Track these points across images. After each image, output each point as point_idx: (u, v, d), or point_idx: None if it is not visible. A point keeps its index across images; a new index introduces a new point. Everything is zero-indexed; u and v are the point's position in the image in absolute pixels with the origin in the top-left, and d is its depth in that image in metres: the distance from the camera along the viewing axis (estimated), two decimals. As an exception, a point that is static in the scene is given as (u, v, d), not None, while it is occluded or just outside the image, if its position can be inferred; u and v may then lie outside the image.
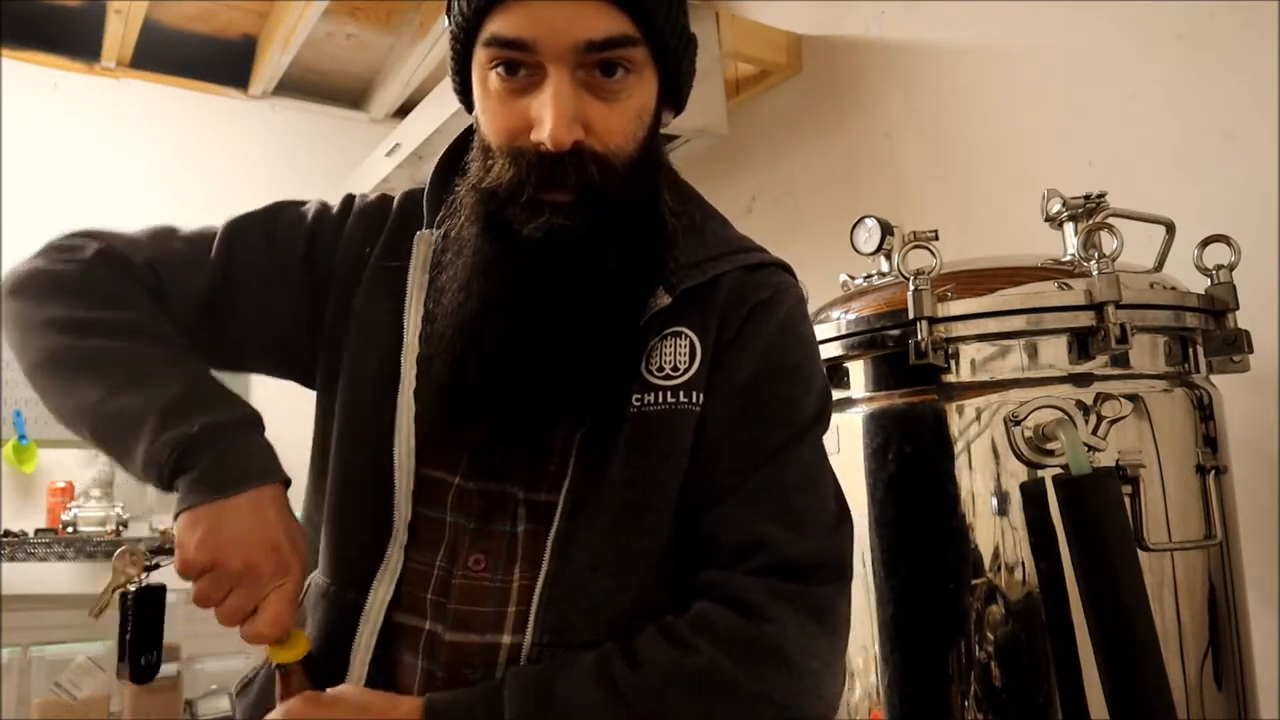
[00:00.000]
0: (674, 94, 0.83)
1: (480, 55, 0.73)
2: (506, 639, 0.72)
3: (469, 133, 0.83)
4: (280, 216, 0.86)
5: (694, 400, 0.75)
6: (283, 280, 0.83)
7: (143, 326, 0.79)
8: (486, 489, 0.76)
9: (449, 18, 0.78)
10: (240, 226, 0.85)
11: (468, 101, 0.80)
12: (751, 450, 0.74)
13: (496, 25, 0.71)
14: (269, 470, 0.72)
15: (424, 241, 0.81)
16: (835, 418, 1.08)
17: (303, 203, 0.88)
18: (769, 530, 0.71)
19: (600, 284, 0.74)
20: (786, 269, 0.85)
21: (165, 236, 0.86)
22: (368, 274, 0.82)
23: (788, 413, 0.76)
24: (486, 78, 0.74)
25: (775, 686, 0.67)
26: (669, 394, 0.75)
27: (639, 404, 0.75)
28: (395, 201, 0.88)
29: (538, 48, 0.70)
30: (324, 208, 0.87)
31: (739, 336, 0.77)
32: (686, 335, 0.77)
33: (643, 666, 0.67)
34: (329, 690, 0.69)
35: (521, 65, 0.71)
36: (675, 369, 0.76)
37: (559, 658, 0.70)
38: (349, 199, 0.88)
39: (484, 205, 0.75)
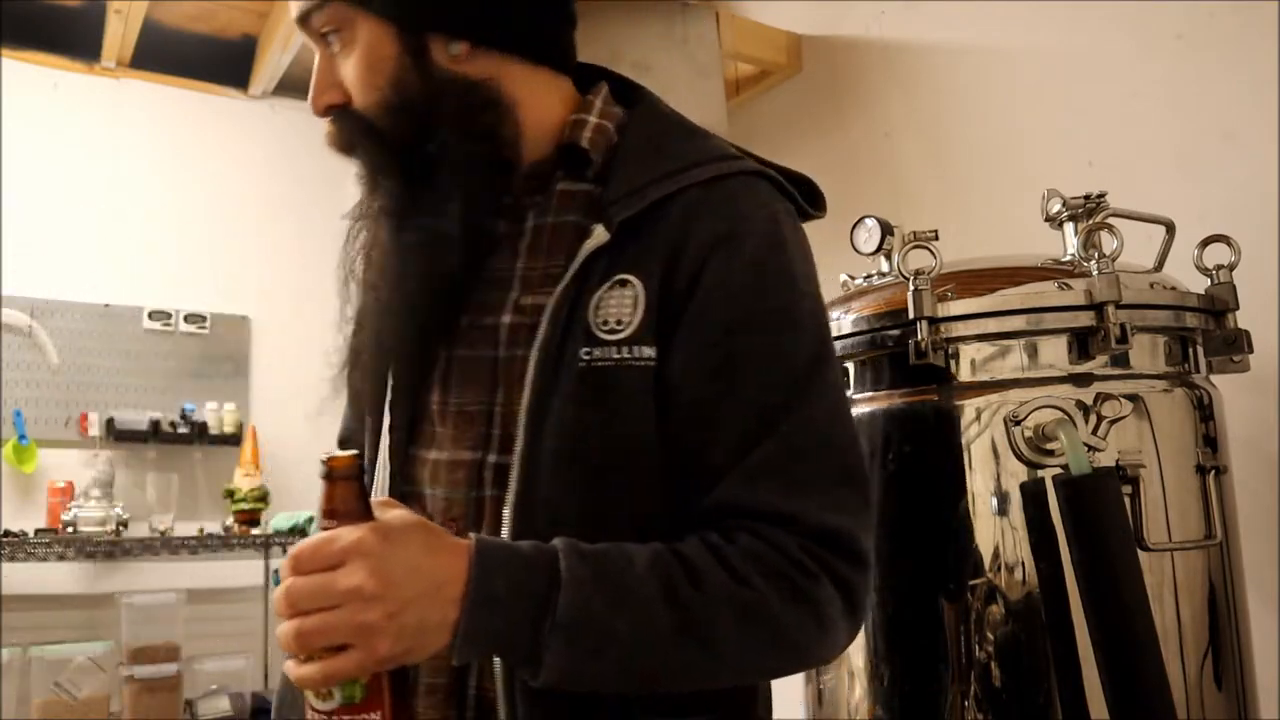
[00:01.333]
0: (426, 24, 0.77)
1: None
2: None
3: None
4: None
5: (641, 355, 0.71)
6: None
7: None
8: (455, 458, 0.75)
9: None
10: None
11: None
12: (744, 419, 0.69)
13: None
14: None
15: None
16: (835, 418, 1.08)
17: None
18: (780, 505, 0.67)
19: (411, 212, 0.76)
20: (761, 174, 0.77)
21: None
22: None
23: (778, 368, 0.70)
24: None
25: (810, 638, 0.67)
26: (615, 349, 0.71)
27: (588, 359, 0.71)
28: None
29: (301, 21, 0.77)
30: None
31: (699, 280, 0.71)
32: (631, 284, 0.72)
33: (701, 583, 0.65)
34: (392, 515, 0.64)
35: (315, 44, 0.79)
36: (620, 323, 0.72)
37: (612, 546, 0.66)
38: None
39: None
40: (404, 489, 0.77)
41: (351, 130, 0.77)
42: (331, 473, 0.63)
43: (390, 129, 0.76)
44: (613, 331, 0.71)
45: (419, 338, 0.77)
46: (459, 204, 0.75)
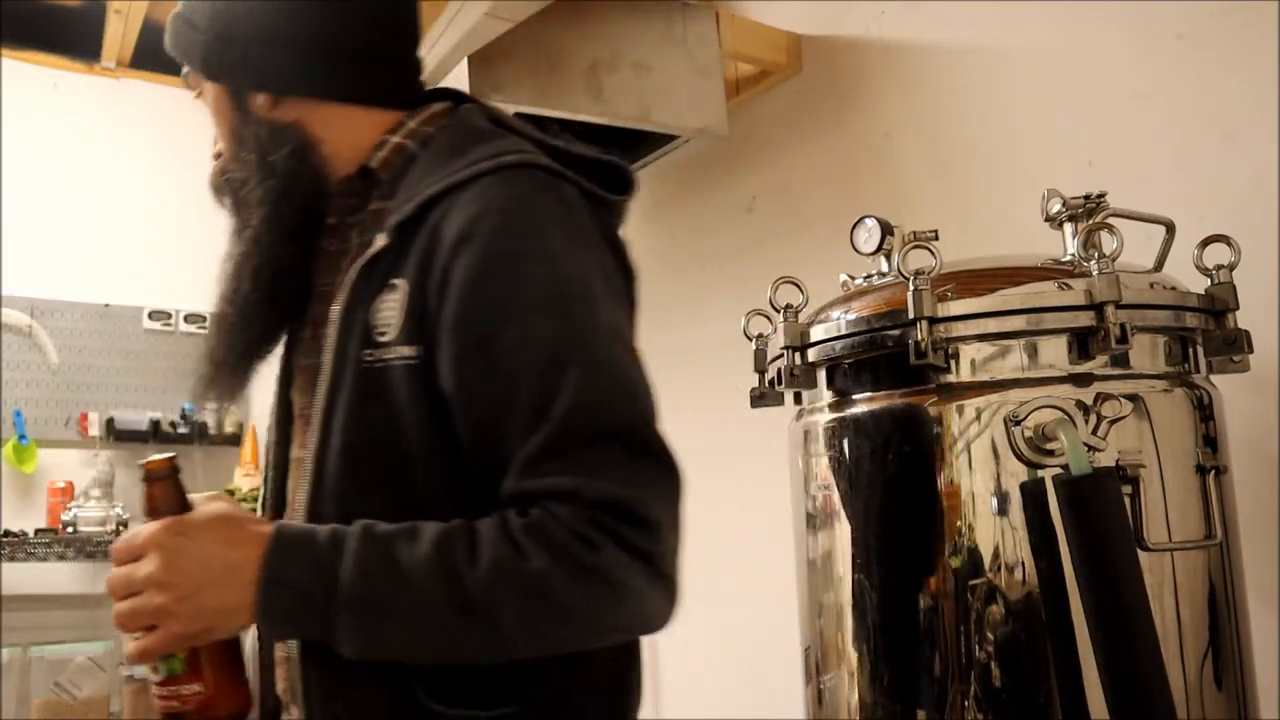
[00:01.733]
0: (239, 81, 0.90)
1: None
2: None
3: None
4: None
5: (402, 355, 0.76)
6: None
7: None
8: (298, 457, 0.85)
9: None
10: None
11: None
12: (516, 410, 0.72)
13: None
14: None
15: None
16: (835, 417, 1.08)
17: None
18: (561, 483, 0.70)
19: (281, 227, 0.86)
20: (526, 165, 0.79)
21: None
22: None
23: (538, 355, 0.72)
24: None
25: (604, 608, 0.71)
26: (384, 350, 0.77)
27: (368, 360, 0.78)
28: None
29: None
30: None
31: (449, 278, 0.75)
32: (398, 287, 0.78)
33: (480, 560, 0.69)
34: (201, 510, 0.73)
35: None
36: (388, 325, 0.78)
37: (406, 525, 0.72)
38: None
39: None
40: (284, 485, 0.88)
41: (218, 172, 0.92)
42: (148, 475, 0.73)
43: (235, 170, 0.90)
44: (383, 334, 0.78)
45: (243, 351, 0.89)
46: (256, 231, 0.87)
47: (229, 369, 0.89)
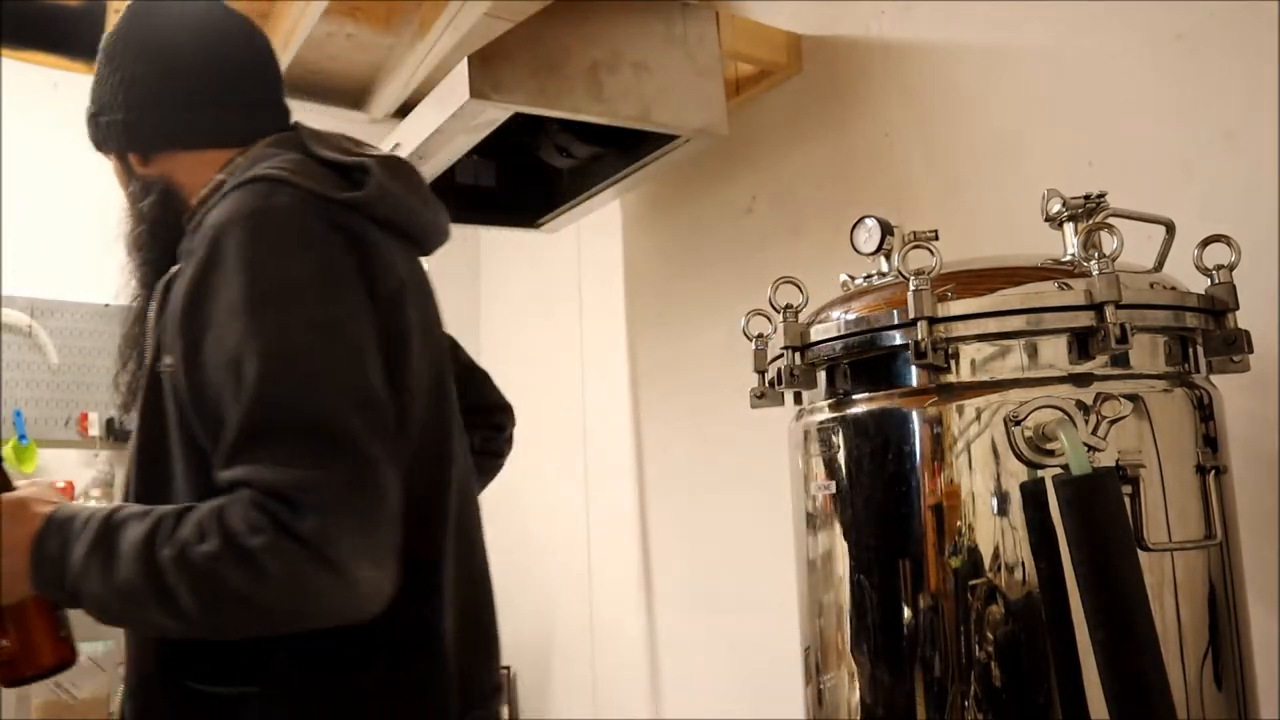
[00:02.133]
0: (119, 148, 1.09)
1: None
2: None
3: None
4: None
5: (164, 364, 0.90)
6: None
7: None
8: None
9: None
10: None
11: None
12: (213, 408, 0.83)
13: None
14: None
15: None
16: (835, 417, 1.08)
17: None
18: (241, 473, 0.80)
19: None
20: (257, 180, 0.91)
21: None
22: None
23: (223, 358, 0.82)
24: None
25: (270, 593, 0.77)
26: (160, 361, 0.91)
27: (157, 369, 0.92)
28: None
29: None
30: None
31: (176, 291, 0.90)
32: (170, 303, 0.91)
33: (172, 542, 0.79)
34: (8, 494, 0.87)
35: None
36: (162, 337, 0.91)
37: (146, 508, 0.84)
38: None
39: None
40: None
41: (125, 229, 1.06)
42: None
43: (128, 224, 1.06)
44: (162, 346, 0.91)
45: (127, 368, 1.05)
46: (133, 269, 1.05)
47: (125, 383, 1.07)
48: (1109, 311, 0.93)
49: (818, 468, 1.11)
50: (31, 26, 2.74)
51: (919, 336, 0.97)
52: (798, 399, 1.22)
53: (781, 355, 1.16)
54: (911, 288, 0.98)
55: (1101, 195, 1.05)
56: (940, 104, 1.73)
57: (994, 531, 0.95)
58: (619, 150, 2.13)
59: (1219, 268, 1.03)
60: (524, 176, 2.35)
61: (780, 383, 1.18)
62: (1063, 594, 0.90)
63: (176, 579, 0.78)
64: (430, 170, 2.07)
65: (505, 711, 2.92)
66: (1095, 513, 0.87)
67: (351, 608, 0.80)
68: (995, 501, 0.95)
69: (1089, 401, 0.92)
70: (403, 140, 1.98)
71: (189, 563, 0.77)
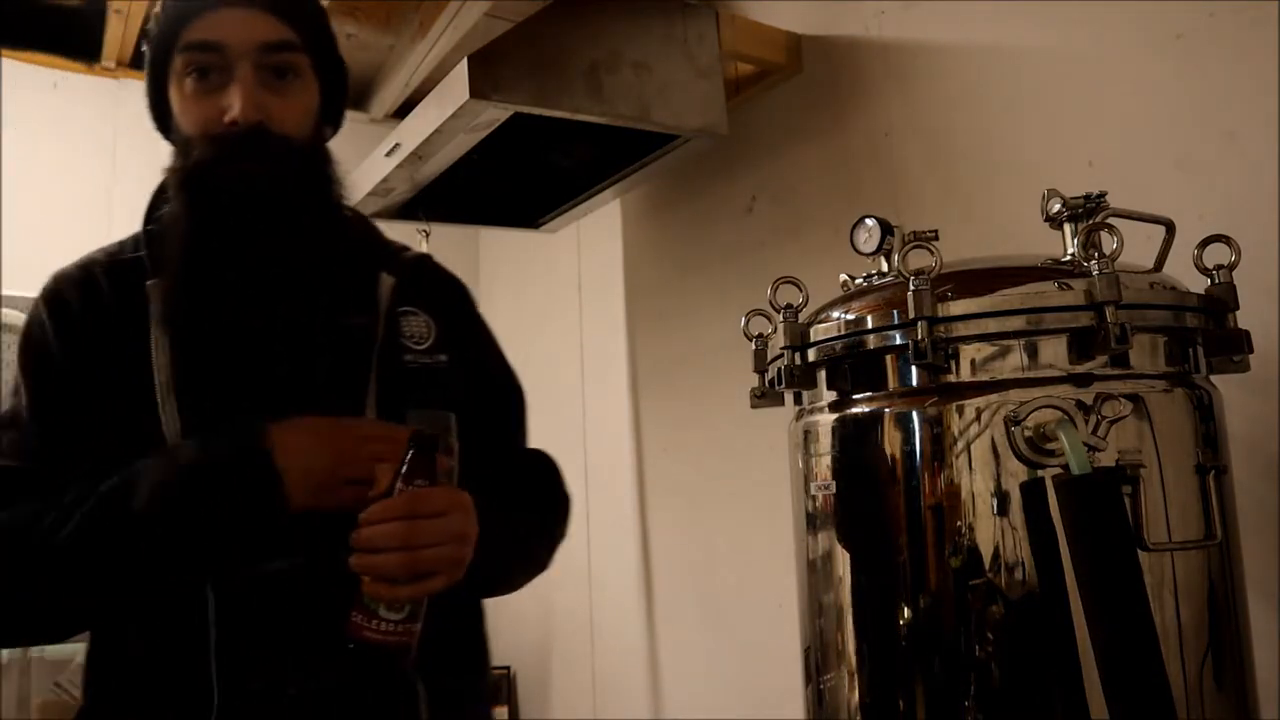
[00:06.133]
0: (332, 109, 1.04)
1: (177, 63, 0.91)
2: None
3: (161, 188, 1.01)
4: (35, 359, 0.95)
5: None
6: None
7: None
8: None
9: (145, 38, 0.96)
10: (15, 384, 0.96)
11: (160, 116, 1.00)
12: None
13: (191, 34, 0.90)
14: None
15: (156, 291, 0.93)
16: (835, 417, 1.08)
17: (32, 331, 0.97)
18: None
19: (304, 232, 0.92)
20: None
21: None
22: (112, 352, 0.92)
23: None
24: (183, 84, 0.92)
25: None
26: (422, 356, 0.99)
27: (404, 363, 0.98)
28: (99, 275, 0.97)
29: (225, 48, 0.89)
30: (39, 321, 0.96)
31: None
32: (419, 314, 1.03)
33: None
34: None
35: (211, 69, 0.90)
36: (420, 339, 0.99)
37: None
38: (46, 296, 0.98)
39: (188, 181, 0.91)
40: None
41: (287, 152, 0.94)
42: (422, 443, 0.84)
43: (307, 170, 0.98)
44: (418, 343, 1.03)
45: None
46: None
47: None
48: (1109, 311, 0.93)
49: (818, 468, 1.11)
50: (31, 26, 2.74)
51: (919, 336, 0.97)
52: (798, 399, 1.22)
53: (781, 355, 1.16)
54: (911, 288, 0.98)
55: (1101, 195, 1.05)
56: (940, 104, 1.73)
57: (994, 531, 0.95)
58: (619, 150, 2.13)
59: (1219, 268, 1.03)
60: (524, 176, 2.35)
61: (780, 383, 1.18)
62: (1063, 594, 0.90)
63: None
64: (430, 170, 2.07)
65: (505, 712, 2.92)
66: (1095, 513, 0.87)
67: None
68: (995, 501, 0.95)
69: (1089, 401, 0.92)
70: (403, 140, 1.98)
71: None
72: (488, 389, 1.09)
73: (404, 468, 0.84)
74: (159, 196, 1.01)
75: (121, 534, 0.83)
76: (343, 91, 1.05)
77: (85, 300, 0.94)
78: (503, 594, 1.05)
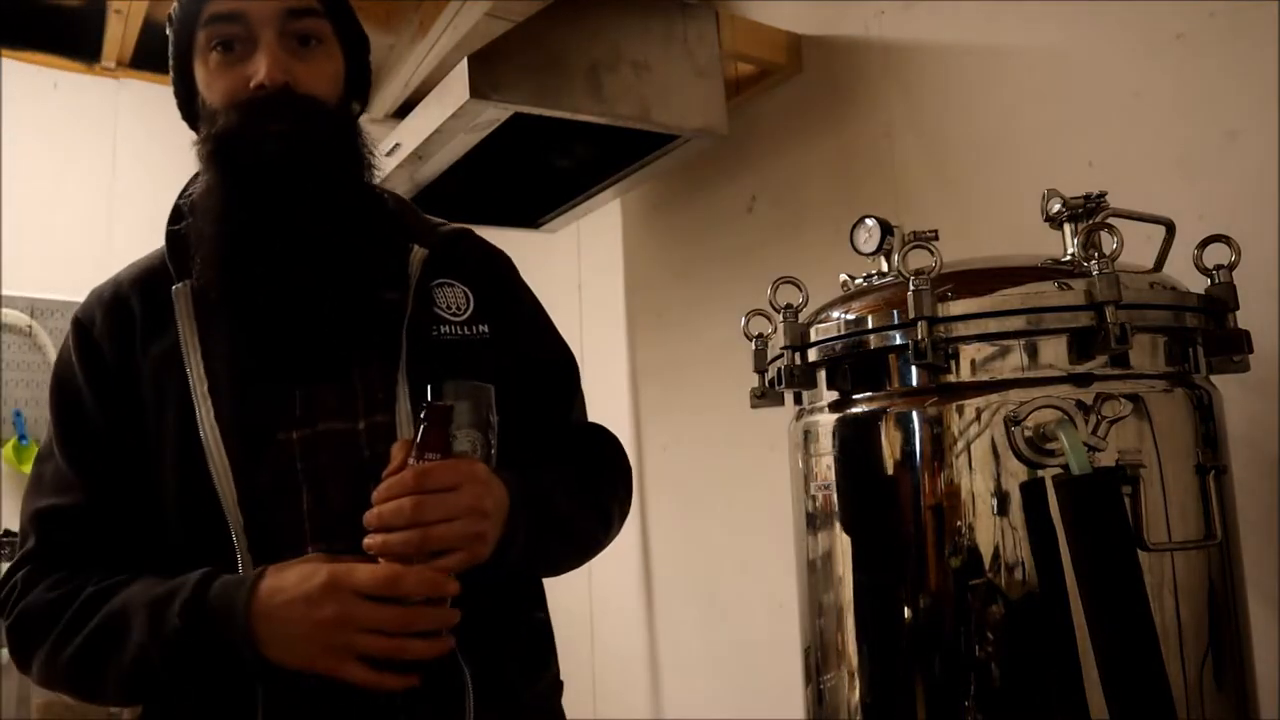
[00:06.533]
0: (358, 81, 1.01)
1: (201, 39, 0.92)
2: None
3: (182, 194, 0.99)
4: (62, 395, 0.96)
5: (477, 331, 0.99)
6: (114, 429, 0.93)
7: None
8: (329, 430, 0.91)
9: (169, 21, 0.97)
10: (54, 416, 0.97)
11: (187, 100, 0.98)
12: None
13: (213, 7, 0.91)
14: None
15: (182, 294, 0.93)
16: (835, 417, 1.08)
17: (61, 363, 0.98)
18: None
19: (338, 195, 0.92)
20: None
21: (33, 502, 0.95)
22: (147, 367, 0.93)
23: None
24: (208, 58, 0.92)
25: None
26: (458, 327, 0.98)
27: (437, 334, 0.96)
28: (127, 291, 0.98)
29: (248, 17, 0.90)
30: (68, 356, 0.97)
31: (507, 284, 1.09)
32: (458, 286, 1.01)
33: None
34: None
35: (235, 40, 0.91)
36: (457, 310, 0.99)
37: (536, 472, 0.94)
38: (76, 323, 0.98)
39: (218, 148, 0.90)
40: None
41: (315, 112, 0.93)
42: (435, 416, 0.81)
43: (335, 133, 0.96)
44: (456, 314, 1.02)
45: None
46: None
47: None
48: (1109, 311, 0.93)
49: (818, 468, 1.11)
50: (31, 26, 2.74)
51: (919, 336, 0.97)
52: (798, 399, 1.22)
53: (781, 355, 1.16)
54: (911, 288, 0.98)
55: (1101, 195, 1.05)
56: (940, 104, 1.74)
57: (994, 531, 0.95)
58: (619, 150, 2.13)
59: (1219, 268, 1.03)
60: (524, 176, 2.35)
61: (780, 383, 1.18)
62: (1063, 594, 0.90)
63: None
64: (430, 170, 2.07)
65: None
66: (1095, 513, 0.87)
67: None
68: (995, 501, 0.95)
69: (1089, 401, 0.92)
70: (403, 140, 1.98)
71: None
72: (535, 361, 1.05)
73: (417, 440, 0.81)
74: (182, 195, 1.00)
75: (114, 671, 0.84)
76: (366, 65, 1.03)
77: (115, 322, 0.95)
78: (557, 572, 1.03)
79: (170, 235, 0.98)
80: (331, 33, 0.95)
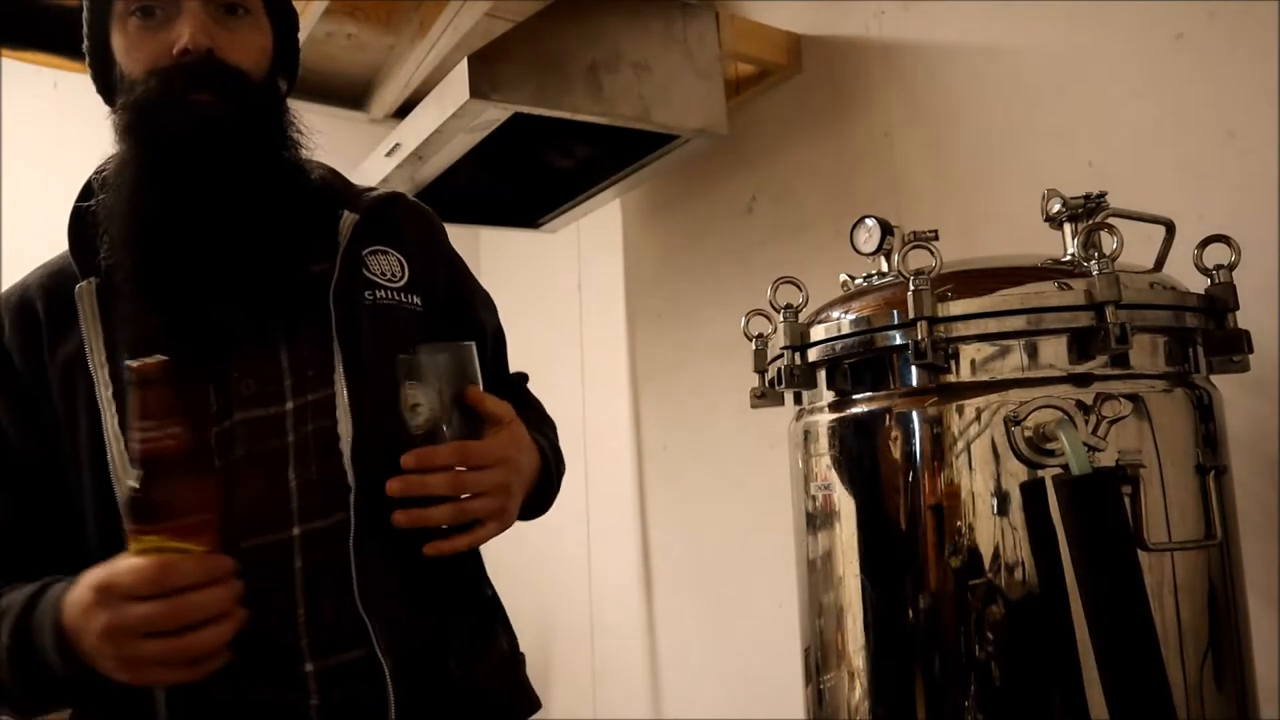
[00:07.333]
0: (286, 57, 0.97)
1: (119, 4, 0.87)
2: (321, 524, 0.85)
3: (98, 170, 0.96)
4: None
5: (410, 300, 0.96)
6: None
7: None
8: (246, 419, 0.85)
9: None
10: None
11: (102, 74, 0.97)
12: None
13: None
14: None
15: (86, 292, 0.87)
16: (835, 417, 1.08)
17: None
18: None
19: (260, 174, 0.86)
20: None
21: None
22: (56, 373, 0.86)
23: None
24: (127, 24, 0.87)
25: None
26: (393, 293, 0.94)
27: (371, 299, 0.92)
28: (33, 295, 0.92)
29: None
30: None
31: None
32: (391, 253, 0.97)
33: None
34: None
35: (157, 6, 0.85)
36: (392, 277, 0.95)
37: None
38: None
39: (135, 118, 0.86)
40: None
41: (240, 85, 0.88)
42: (144, 378, 0.72)
43: (260, 106, 0.91)
44: (391, 280, 1.00)
45: None
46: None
47: None
48: (1109, 311, 0.93)
49: (818, 468, 1.11)
50: (31, 26, 2.74)
51: (919, 336, 0.97)
52: (798, 399, 1.22)
53: (781, 355, 1.16)
54: (911, 288, 0.98)
55: (1101, 195, 1.05)
56: (940, 104, 1.74)
57: (994, 531, 0.95)
58: (619, 150, 2.13)
59: (1219, 268, 1.03)
60: (524, 176, 2.35)
61: (780, 383, 1.18)
62: (1063, 594, 0.90)
63: None
64: (430, 170, 2.07)
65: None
66: (1095, 513, 0.87)
67: None
68: (995, 501, 0.95)
69: (1089, 401, 0.92)
70: (403, 140, 1.98)
71: None
72: (470, 323, 1.05)
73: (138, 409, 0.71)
74: (97, 171, 0.96)
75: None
76: (294, 40, 0.97)
77: (21, 328, 0.89)
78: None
79: (76, 212, 0.92)
80: (260, 5, 0.90)
